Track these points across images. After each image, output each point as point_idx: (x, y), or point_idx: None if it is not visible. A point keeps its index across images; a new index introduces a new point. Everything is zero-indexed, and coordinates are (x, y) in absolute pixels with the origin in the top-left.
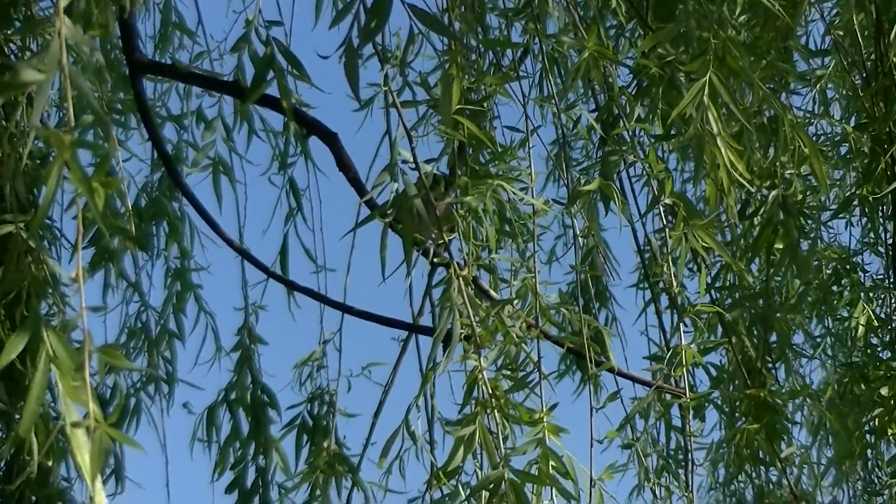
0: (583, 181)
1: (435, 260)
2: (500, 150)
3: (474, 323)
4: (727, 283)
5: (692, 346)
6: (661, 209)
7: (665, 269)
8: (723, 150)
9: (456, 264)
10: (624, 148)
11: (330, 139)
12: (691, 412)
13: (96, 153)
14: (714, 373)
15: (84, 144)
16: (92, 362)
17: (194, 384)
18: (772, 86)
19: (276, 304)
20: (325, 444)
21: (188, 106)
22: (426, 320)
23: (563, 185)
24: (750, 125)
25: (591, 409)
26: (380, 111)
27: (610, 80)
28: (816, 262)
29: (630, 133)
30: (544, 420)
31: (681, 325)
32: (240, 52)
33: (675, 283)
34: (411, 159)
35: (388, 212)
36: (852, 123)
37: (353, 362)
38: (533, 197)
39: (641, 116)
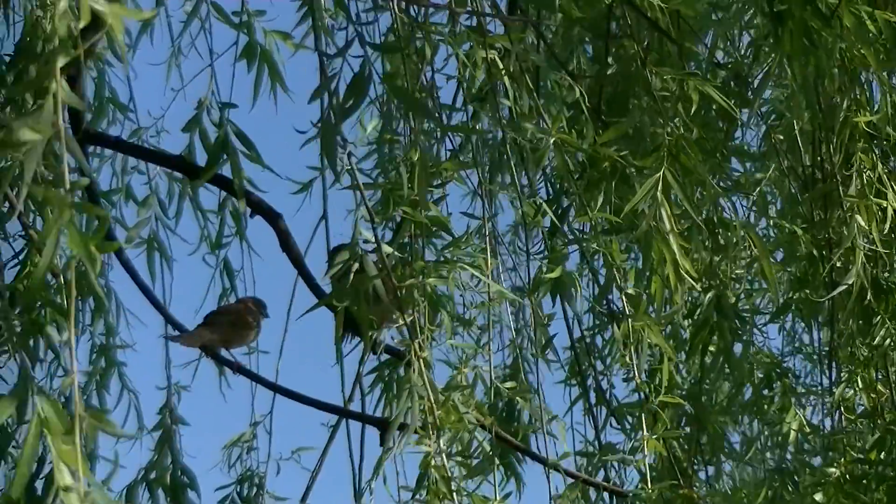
0: (543, 269)
1: (393, 341)
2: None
3: (435, 406)
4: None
5: (620, 444)
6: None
7: (601, 364)
8: (675, 247)
9: (417, 345)
10: (584, 237)
11: (274, 219)
12: None
13: (93, 216)
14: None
15: (82, 207)
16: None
17: (115, 462)
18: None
19: (207, 384)
20: None
21: (121, 182)
22: (355, 406)
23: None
24: (702, 224)
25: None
26: (317, 193)
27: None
28: (748, 365)
29: (590, 224)
30: None
31: (610, 421)
32: (191, 132)
33: (637, 377)
34: (373, 240)
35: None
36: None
37: (283, 445)
38: (488, 286)
39: (594, 208)
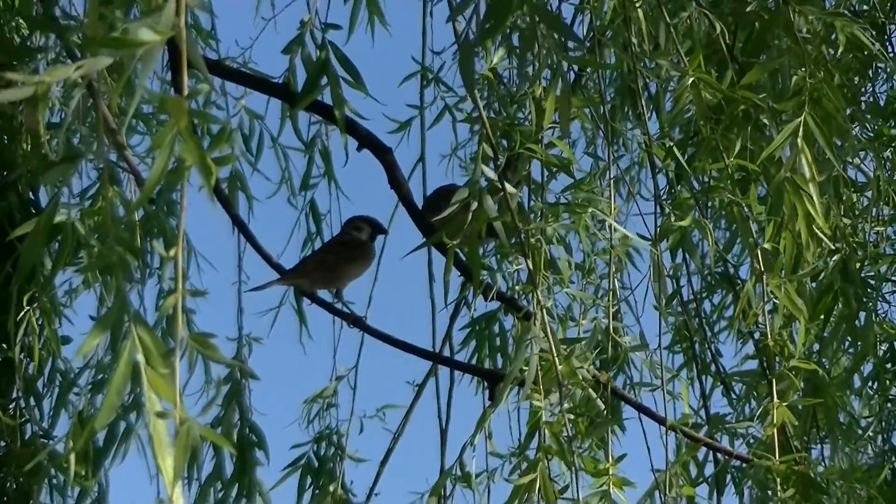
0: (671, 217)
1: (517, 288)
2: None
3: (557, 360)
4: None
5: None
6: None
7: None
8: (815, 199)
9: (539, 294)
10: (721, 185)
11: (383, 153)
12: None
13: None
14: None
15: (200, 115)
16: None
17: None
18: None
19: (285, 336)
20: (331, 489)
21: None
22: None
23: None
24: (845, 176)
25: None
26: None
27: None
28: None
29: (726, 170)
30: (610, 471)
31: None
32: (292, 55)
33: (769, 337)
34: (495, 178)
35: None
36: None
37: (366, 403)
38: (610, 231)
39: (730, 154)
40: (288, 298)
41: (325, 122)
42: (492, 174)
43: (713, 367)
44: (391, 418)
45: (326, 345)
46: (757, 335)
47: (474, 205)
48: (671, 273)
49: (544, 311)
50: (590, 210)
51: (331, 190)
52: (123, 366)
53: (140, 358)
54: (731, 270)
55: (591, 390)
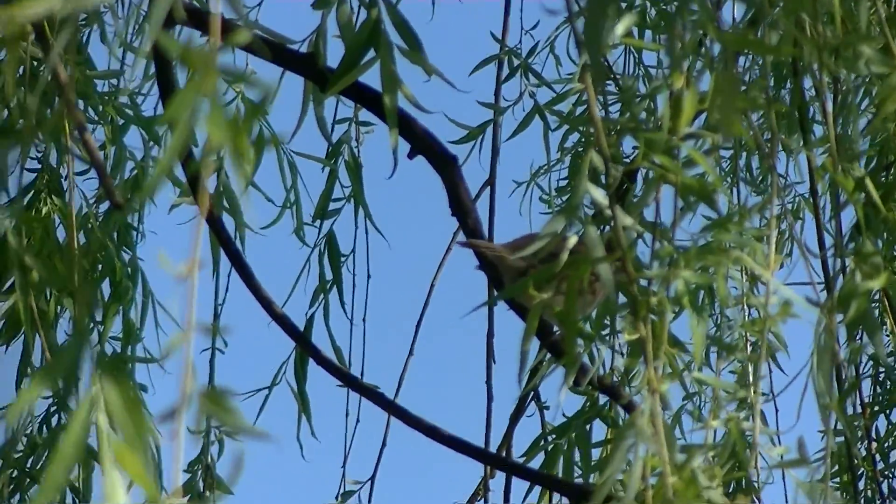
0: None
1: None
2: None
3: (670, 470)
4: None
5: None
6: None
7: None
8: None
9: (653, 375)
10: None
11: (446, 165)
12: None
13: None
14: None
15: (237, 75)
16: None
17: None
18: None
19: (279, 428)
20: None
21: None
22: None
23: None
24: None
25: None
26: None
27: None
28: None
29: None
30: None
31: None
32: (324, 12)
33: None
34: (605, 203)
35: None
36: None
37: None
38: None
39: None
40: (286, 373)
41: (356, 121)
42: (600, 196)
43: None
44: None
45: (334, 443)
46: None
47: (572, 240)
48: (847, 360)
49: (658, 399)
50: (741, 258)
51: (357, 220)
52: (78, 429)
53: (102, 420)
54: None
55: None
